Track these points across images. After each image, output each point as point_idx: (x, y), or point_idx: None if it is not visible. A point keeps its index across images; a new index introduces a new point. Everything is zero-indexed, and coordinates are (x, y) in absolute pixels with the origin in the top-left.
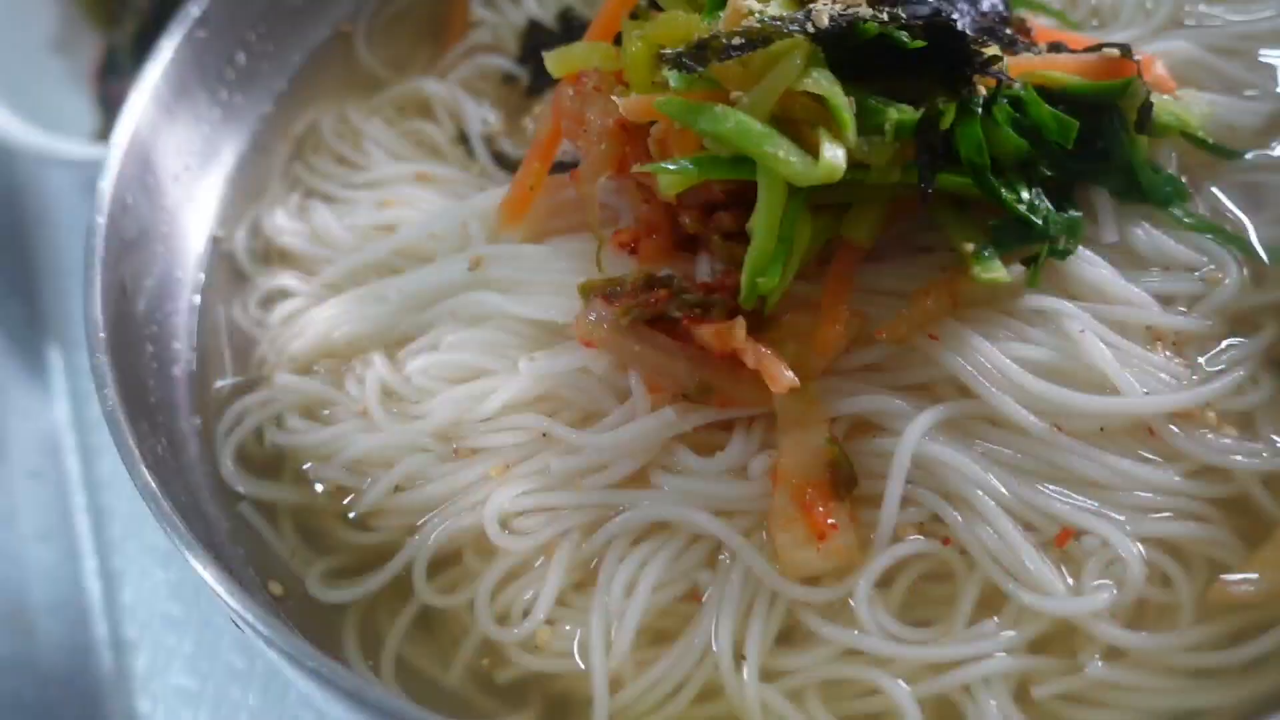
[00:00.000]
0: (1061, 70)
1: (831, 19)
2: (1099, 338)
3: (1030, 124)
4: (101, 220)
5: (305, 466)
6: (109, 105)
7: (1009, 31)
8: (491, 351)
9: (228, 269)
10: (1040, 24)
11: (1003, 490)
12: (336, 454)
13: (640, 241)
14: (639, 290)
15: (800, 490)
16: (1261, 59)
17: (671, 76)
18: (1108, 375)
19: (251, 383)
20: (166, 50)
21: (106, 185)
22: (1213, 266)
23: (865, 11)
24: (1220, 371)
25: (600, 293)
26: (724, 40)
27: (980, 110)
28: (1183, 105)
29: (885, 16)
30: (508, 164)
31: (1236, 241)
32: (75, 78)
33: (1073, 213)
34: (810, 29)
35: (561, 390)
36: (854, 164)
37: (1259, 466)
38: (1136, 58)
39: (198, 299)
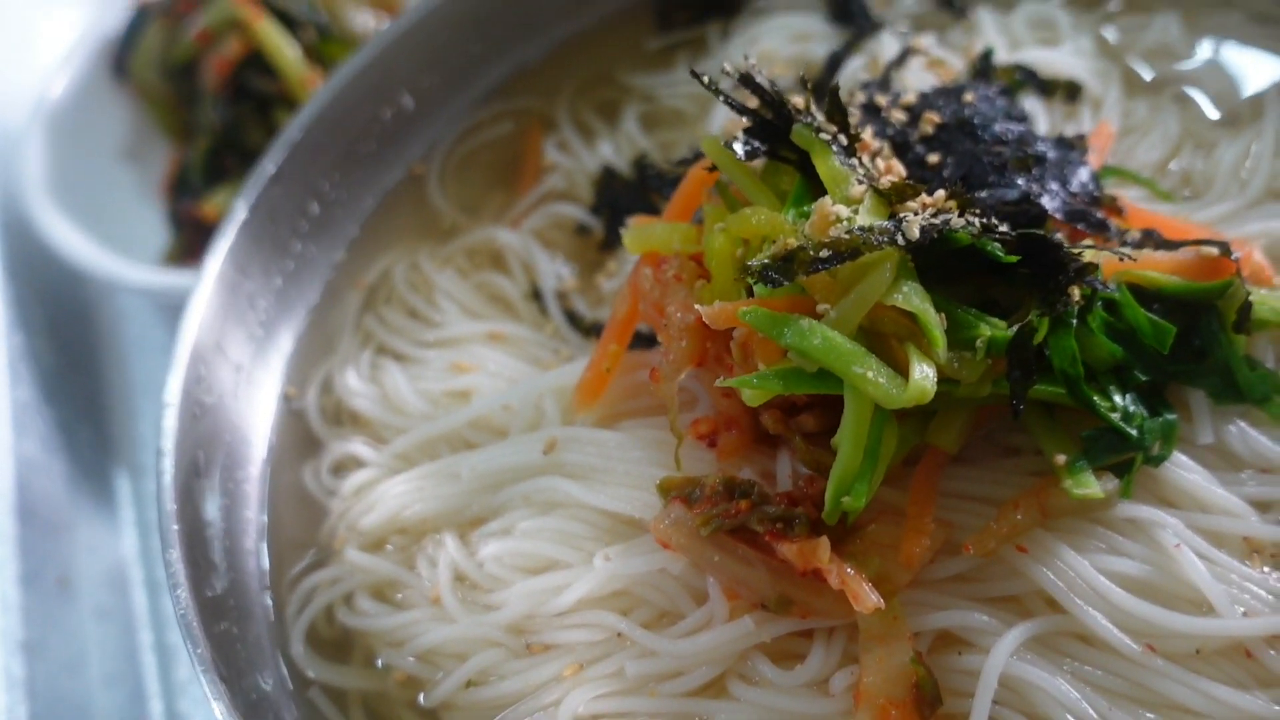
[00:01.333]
0: (1157, 270)
1: (923, 229)
2: (1194, 550)
3: (1125, 327)
4: (173, 405)
5: (378, 658)
6: (179, 223)
7: (1100, 215)
8: (566, 542)
9: (298, 430)
10: (1129, 196)
11: (1093, 714)
12: (408, 642)
13: (719, 434)
14: (719, 498)
15: (884, 711)
16: None
17: (756, 287)
18: (1203, 592)
19: (322, 558)
20: (241, 211)
21: (176, 379)
22: None
23: (957, 221)
24: None
25: (679, 494)
26: (811, 253)
27: (1074, 320)
28: None
29: (978, 226)
30: (581, 325)
31: None
32: (145, 190)
33: (1167, 416)
34: (900, 240)
35: (637, 588)
36: (943, 378)
37: None
38: (1235, 255)
39: (268, 464)
